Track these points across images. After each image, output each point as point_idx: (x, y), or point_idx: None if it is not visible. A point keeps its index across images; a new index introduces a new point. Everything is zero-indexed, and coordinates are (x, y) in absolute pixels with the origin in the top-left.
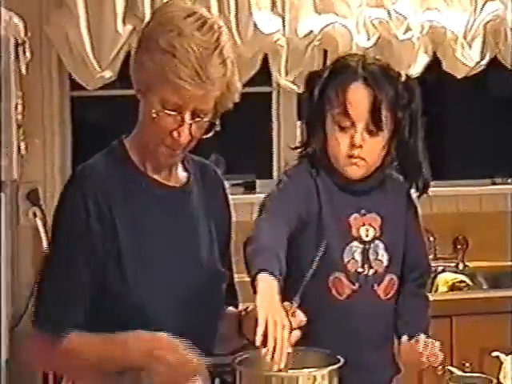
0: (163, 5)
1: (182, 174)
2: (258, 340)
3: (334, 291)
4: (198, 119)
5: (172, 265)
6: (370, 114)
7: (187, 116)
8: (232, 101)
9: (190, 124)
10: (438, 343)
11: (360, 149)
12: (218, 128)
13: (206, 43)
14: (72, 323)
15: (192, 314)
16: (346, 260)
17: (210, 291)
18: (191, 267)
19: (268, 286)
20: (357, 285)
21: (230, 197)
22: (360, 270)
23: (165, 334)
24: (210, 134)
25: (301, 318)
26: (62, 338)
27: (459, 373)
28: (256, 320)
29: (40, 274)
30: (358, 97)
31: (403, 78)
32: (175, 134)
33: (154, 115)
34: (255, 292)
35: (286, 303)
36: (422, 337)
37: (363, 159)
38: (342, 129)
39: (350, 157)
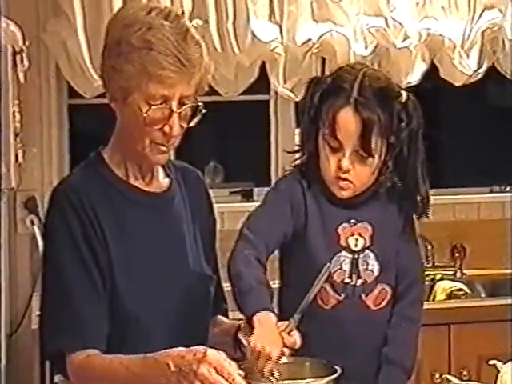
0: (120, 11)
1: (163, 180)
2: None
3: (319, 300)
4: (183, 107)
5: (160, 271)
6: (359, 140)
7: (175, 106)
8: (207, 81)
9: (179, 114)
10: None
11: (347, 173)
12: (203, 111)
13: (177, 29)
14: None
15: (182, 318)
16: (332, 270)
17: (198, 295)
18: (179, 272)
19: (266, 321)
20: (343, 295)
21: (228, 205)
22: (347, 280)
23: (202, 346)
24: (197, 120)
25: (295, 338)
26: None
27: (457, 381)
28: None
29: (49, 298)
30: (348, 123)
31: (403, 98)
32: (166, 128)
33: (145, 115)
34: (253, 328)
35: (284, 322)
36: None
37: (351, 182)
38: (332, 149)
39: (338, 178)
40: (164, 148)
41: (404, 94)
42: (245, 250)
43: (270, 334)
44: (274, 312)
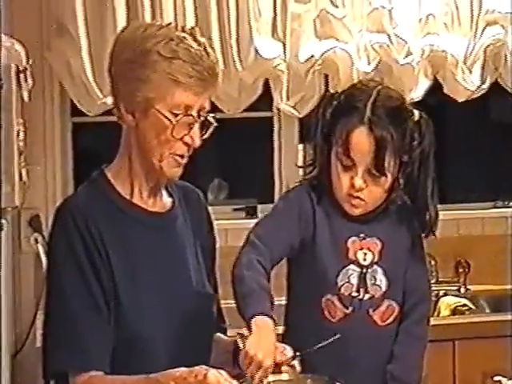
0: (128, 29)
1: (166, 200)
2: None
3: (326, 313)
4: (202, 118)
5: (164, 290)
6: (372, 159)
7: (195, 116)
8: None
9: (199, 124)
10: None
11: (360, 191)
12: (215, 124)
13: (197, 41)
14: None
15: (185, 337)
16: (340, 283)
17: (201, 314)
18: (182, 291)
19: (263, 326)
20: (350, 309)
21: (232, 222)
22: (354, 294)
23: (204, 366)
24: (210, 132)
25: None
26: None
27: None
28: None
29: (54, 319)
30: (362, 143)
31: (416, 117)
32: (187, 138)
33: (175, 123)
34: (250, 332)
35: (291, 353)
36: None
37: (363, 200)
38: (345, 167)
39: (350, 195)
40: (181, 160)
41: (416, 112)
42: (250, 254)
43: (266, 340)
44: (272, 318)
